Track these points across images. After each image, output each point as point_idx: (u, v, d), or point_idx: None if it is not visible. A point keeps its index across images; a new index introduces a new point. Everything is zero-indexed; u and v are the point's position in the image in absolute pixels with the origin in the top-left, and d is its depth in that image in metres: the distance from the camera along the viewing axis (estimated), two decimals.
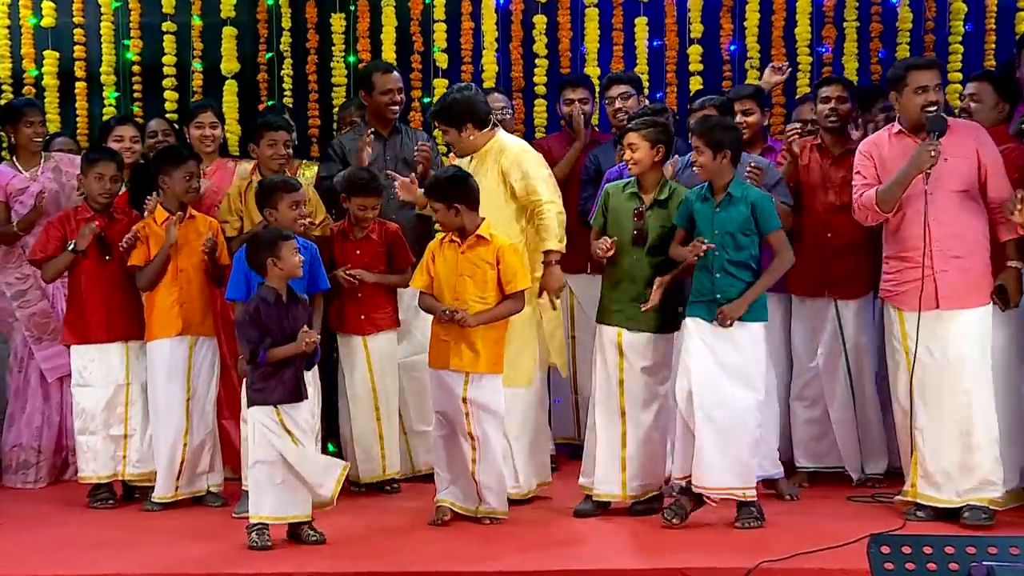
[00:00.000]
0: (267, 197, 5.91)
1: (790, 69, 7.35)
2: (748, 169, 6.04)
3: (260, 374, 5.41)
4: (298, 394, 5.45)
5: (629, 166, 5.91)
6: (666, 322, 5.88)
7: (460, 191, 5.77)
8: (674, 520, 5.67)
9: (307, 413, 5.52)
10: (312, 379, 5.73)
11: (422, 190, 6.24)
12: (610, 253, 5.84)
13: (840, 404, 6.54)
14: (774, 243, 5.76)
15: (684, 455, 5.71)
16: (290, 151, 6.59)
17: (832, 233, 6.45)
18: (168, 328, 6.17)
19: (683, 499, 5.73)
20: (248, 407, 5.48)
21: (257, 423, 5.41)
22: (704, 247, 5.63)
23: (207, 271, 6.25)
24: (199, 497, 6.27)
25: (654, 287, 5.78)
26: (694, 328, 5.71)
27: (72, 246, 6.23)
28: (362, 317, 6.51)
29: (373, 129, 6.81)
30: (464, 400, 5.72)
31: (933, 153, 5.59)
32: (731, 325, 5.64)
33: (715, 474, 5.61)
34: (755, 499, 5.70)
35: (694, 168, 5.84)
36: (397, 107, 6.93)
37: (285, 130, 6.54)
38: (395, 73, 7.01)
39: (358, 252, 6.51)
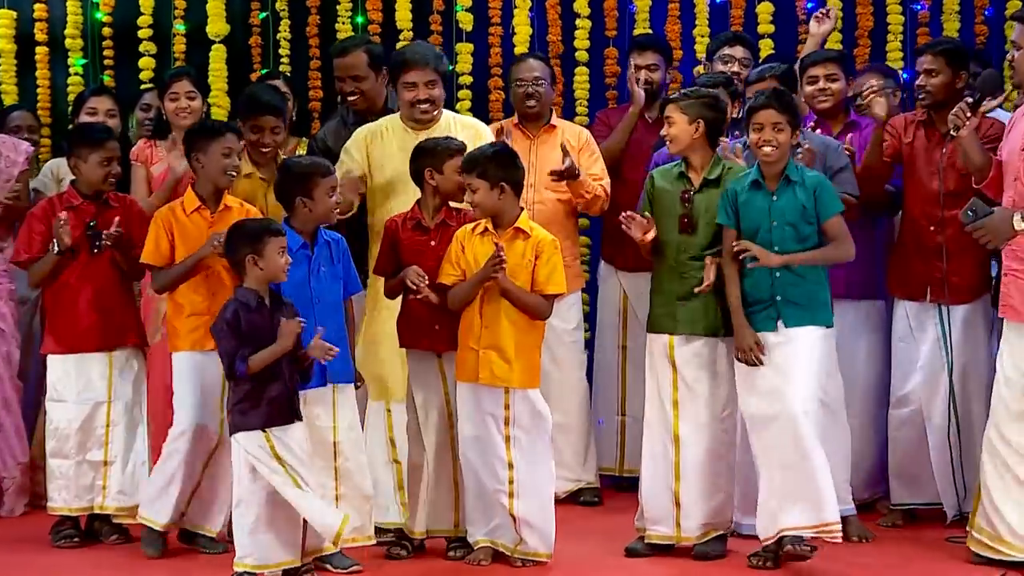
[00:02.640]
0: (303, 185, 5.69)
1: (834, 12, 7.31)
2: (800, 151, 5.95)
3: (243, 392, 5.34)
4: (290, 414, 5.37)
5: (668, 145, 5.94)
6: (727, 322, 5.82)
7: (508, 170, 5.75)
8: (767, 565, 5.66)
9: (302, 437, 5.44)
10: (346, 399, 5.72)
11: None
12: (650, 235, 5.78)
13: (938, 428, 6.43)
14: (832, 230, 5.69)
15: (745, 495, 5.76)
16: (277, 137, 6.52)
17: (935, 226, 6.36)
18: (195, 340, 5.99)
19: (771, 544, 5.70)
20: (232, 434, 5.41)
21: (243, 452, 5.35)
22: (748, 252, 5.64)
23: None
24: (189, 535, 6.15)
25: (707, 263, 5.75)
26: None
27: (55, 247, 6.12)
28: (436, 327, 5.94)
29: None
30: (506, 423, 5.70)
31: (953, 116, 5.85)
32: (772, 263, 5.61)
33: (792, 512, 5.58)
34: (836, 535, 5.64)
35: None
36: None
37: (273, 114, 6.46)
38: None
39: (433, 243, 5.96)
